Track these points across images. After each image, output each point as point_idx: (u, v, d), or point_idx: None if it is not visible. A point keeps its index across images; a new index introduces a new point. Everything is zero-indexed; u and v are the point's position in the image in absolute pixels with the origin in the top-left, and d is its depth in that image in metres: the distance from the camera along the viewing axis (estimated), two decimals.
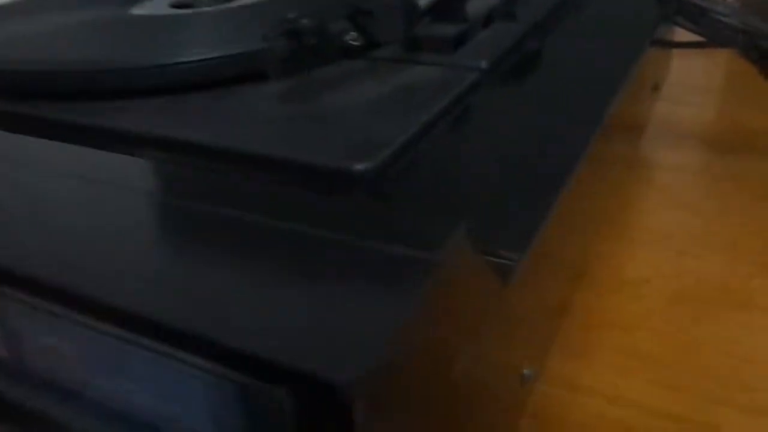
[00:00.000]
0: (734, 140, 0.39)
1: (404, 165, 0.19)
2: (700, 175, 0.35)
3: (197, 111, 0.22)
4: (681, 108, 0.42)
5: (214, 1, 0.34)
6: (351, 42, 0.22)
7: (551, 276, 0.19)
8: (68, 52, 0.27)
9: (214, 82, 0.24)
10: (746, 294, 0.26)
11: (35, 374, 0.13)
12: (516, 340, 0.16)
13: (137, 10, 0.32)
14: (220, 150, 0.20)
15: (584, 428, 0.21)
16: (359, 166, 0.18)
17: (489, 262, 0.13)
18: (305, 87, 0.22)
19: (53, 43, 0.28)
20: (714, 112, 0.43)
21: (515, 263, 0.14)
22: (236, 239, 0.14)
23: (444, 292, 0.11)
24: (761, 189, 0.33)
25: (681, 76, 0.45)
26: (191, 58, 0.24)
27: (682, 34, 0.42)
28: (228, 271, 0.12)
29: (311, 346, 0.10)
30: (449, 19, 0.27)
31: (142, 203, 0.17)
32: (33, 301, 0.12)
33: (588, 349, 0.24)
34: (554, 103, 0.24)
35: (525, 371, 0.17)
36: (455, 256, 0.12)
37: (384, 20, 0.22)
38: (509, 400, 0.17)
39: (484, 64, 0.25)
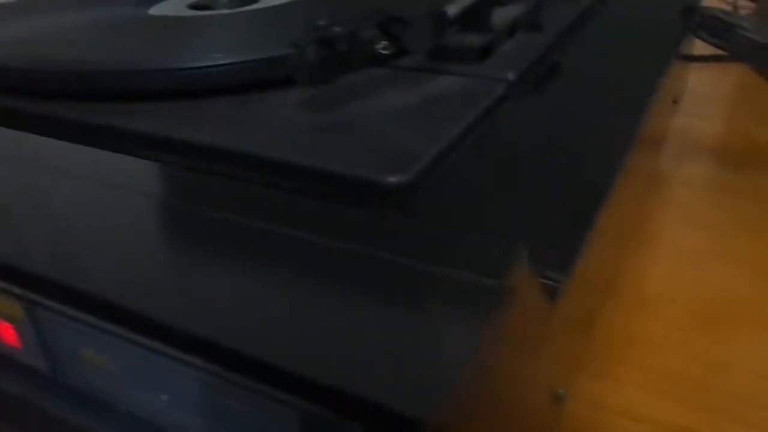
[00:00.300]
0: (748, 154, 0.38)
1: (436, 178, 0.19)
2: (716, 190, 0.35)
3: (222, 116, 0.22)
4: (694, 120, 0.42)
5: (233, 2, 0.34)
6: (381, 51, 0.21)
7: (584, 293, 0.19)
8: (87, 53, 0.26)
9: (238, 86, 0.23)
10: None
11: (81, 389, 0.13)
12: (553, 360, 0.16)
13: (155, 11, 0.32)
14: (246, 156, 0.19)
15: None
16: (393, 179, 0.18)
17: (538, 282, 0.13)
18: (333, 95, 0.22)
19: (71, 42, 0.28)
20: (726, 124, 0.43)
21: (561, 284, 0.13)
22: (285, 259, 0.14)
23: (509, 318, 0.11)
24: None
25: (692, 87, 0.45)
26: (216, 62, 0.23)
27: (698, 47, 0.42)
28: (287, 294, 0.12)
29: (385, 376, 0.09)
30: (475, 29, 0.26)
31: (180, 216, 0.16)
32: (83, 317, 0.12)
33: (613, 367, 0.23)
34: (584, 115, 0.23)
35: (560, 391, 0.17)
36: (519, 282, 0.12)
37: (415, 29, 0.22)
38: (544, 420, 0.17)
39: (511, 76, 0.24)
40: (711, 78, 0.48)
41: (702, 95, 0.45)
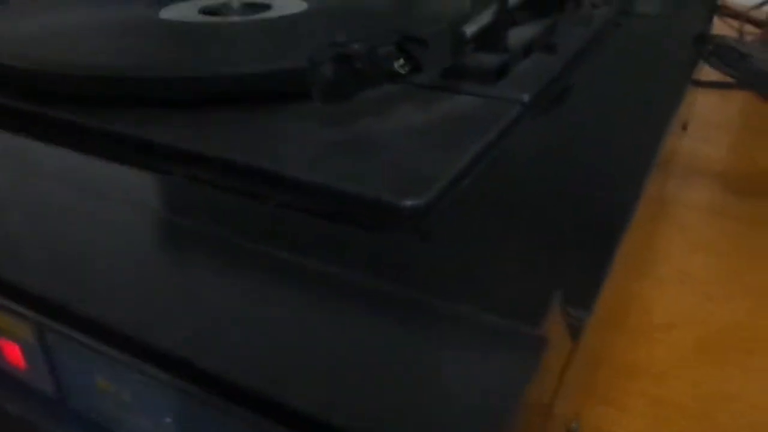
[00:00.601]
0: (753, 180, 0.38)
1: (450, 201, 0.18)
2: (721, 216, 0.35)
3: (234, 128, 0.22)
4: (699, 144, 0.42)
5: (244, 8, 0.33)
6: (398, 69, 0.21)
7: (600, 324, 0.19)
8: (96, 56, 0.26)
9: (252, 97, 0.23)
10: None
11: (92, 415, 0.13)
12: (569, 394, 0.16)
13: (166, 14, 0.32)
14: (258, 171, 0.19)
15: None
16: (409, 201, 0.17)
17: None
18: (348, 111, 0.22)
19: (79, 43, 0.28)
20: (731, 150, 0.43)
21: (584, 322, 0.13)
22: (306, 293, 0.13)
23: (546, 363, 0.11)
24: None
25: (697, 112, 0.45)
26: (229, 72, 0.23)
27: (703, 72, 0.42)
28: (307, 333, 0.12)
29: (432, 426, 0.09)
30: (490, 49, 0.26)
31: (193, 237, 0.16)
32: (92, 343, 0.11)
33: (620, 397, 0.23)
34: (600, 140, 0.23)
35: (573, 425, 0.16)
36: (553, 327, 0.11)
37: (433, 48, 0.21)
38: None
39: (526, 98, 0.24)
40: (715, 103, 0.48)
41: (707, 120, 0.45)
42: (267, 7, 0.33)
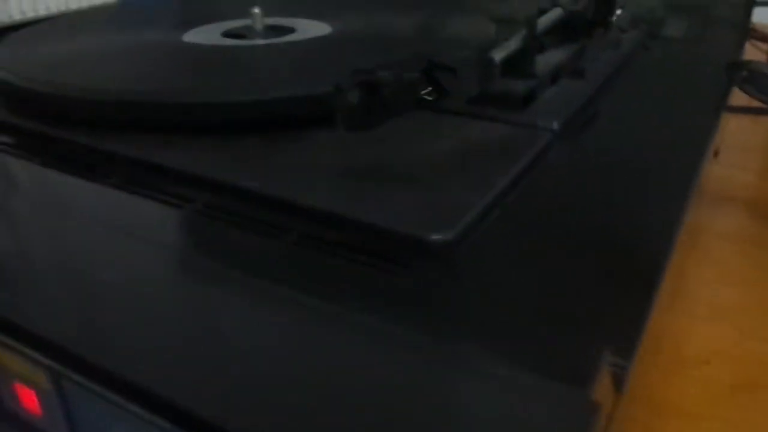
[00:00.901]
0: None
1: (480, 233, 0.18)
2: (753, 246, 0.34)
3: (254, 155, 0.21)
4: (729, 171, 0.41)
5: (267, 30, 0.33)
6: (425, 96, 0.20)
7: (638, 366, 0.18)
8: (119, 80, 0.26)
9: (273, 123, 0.23)
10: None
11: None
12: None
13: (189, 37, 0.32)
14: (280, 201, 0.19)
15: None
16: (437, 236, 0.17)
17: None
18: (372, 139, 0.21)
19: (100, 68, 0.28)
20: (762, 176, 0.42)
21: (627, 371, 0.12)
22: (338, 341, 0.13)
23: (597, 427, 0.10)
24: None
25: (726, 137, 0.44)
26: (252, 98, 0.23)
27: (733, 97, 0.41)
28: (342, 391, 0.11)
29: None
30: (517, 75, 0.26)
31: (212, 277, 0.15)
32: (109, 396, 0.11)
33: None
34: (632, 169, 0.22)
35: None
36: (603, 386, 0.11)
37: (461, 75, 0.21)
38: None
39: (555, 125, 0.24)
40: (745, 128, 0.47)
41: (737, 145, 0.44)
42: (290, 30, 0.33)
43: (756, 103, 0.33)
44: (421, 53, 0.21)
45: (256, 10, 0.33)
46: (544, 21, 0.26)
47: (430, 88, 0.21)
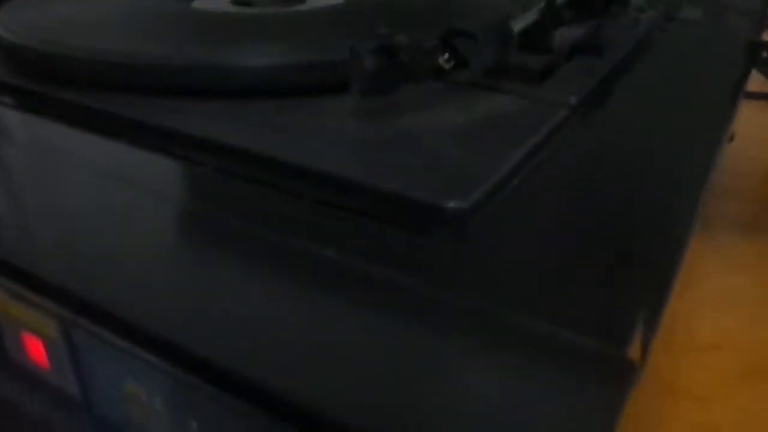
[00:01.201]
0: None
1: (495, 204, 0.17)
2: (765, 233, 0.34)
3: (265, 120, 0.21)
4: (740, 158, 0.40)
5: (275, 1, 0.32)
6: (443, 64, 0.20)
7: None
8: (127, 44, 0.25)
9: (285, 89, 0.22)
10: None
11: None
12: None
13: (199, 4, 0.31)
14: (293, 167, 0.18)
15: None
16: (452, 204, 0.16)
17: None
18: (388, 107, 0.21)
19: (110, 31, 0.27)
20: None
21: (649, 344, 0.12)
22: (365, 301, 0.12)
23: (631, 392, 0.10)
24: None
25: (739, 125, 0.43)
26: (265, 62, 0.22)
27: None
28: (354, 343, 0.11)
29: None
30: (535, 49, 0.25)
31: (223, 231, 0.15)
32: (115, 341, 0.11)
33: (662, 423, 0.22)
34: (649, 149, 0.22)
35: None
36: (638, 350, 0.10)
37: (480, 44, 0.20)
38: None
39: (573, 100, 0.23)
40: (759, 115, 0.46)
41: (749, 133, 0.44)
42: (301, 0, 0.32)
43: None
44: (434, 21, 0.21)
45: None
46: None
47: (447, 56, 0.20)
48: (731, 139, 0.34)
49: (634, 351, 0.10)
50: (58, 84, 0.23)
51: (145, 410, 0.11)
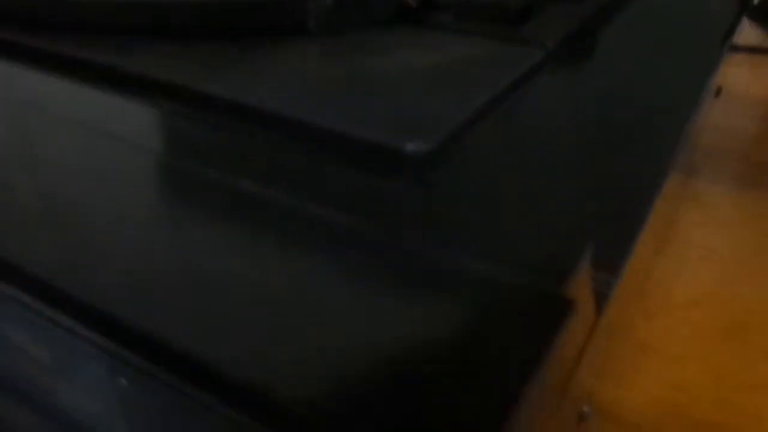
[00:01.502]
0: None
1: (462, 148, 0.16)
2: (748, 191, 0.33)
3: (224, 62, 0.19)
4: (727, 115, 0.39)
5: None
6: (410, 1, 0.18)
7: (621, 295, 0.17)
8: None
9: (243, 30, 0.21)
10: None
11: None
12: (583, 372, 0.14)
13: None
14: (251, 110, 0.17)
15: None
16: (411, 146, 0.15)
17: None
18: (350, 48, 0.19)
19: None
20: (762, 122, 0.40)
21: (611, 288, 0.11)
22: (312, 243, 0.11)
23: (569, 332, 0.09)
24: None
25: (728, 82, 0.42)
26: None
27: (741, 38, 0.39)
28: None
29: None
30: None
31: (183, 180, 0.14)
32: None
33: (635, 377, 0.21)
34: (629, 96, 0.21)
35: (585, 408, 0.14)
36: (582, 292, 0.09)
37: None
38: None
39: (550, 44, 0.22)
40: (748, 72, 0.45)
41: (738, 91, 0.42)
42: None
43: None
44: None
45: None
46: None
47: None
48: (718, 93, 0.33)
49: (577, 291, 0.09)
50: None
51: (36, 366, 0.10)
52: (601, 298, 0.11)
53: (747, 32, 0.47)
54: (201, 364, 0.09)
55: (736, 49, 0.39)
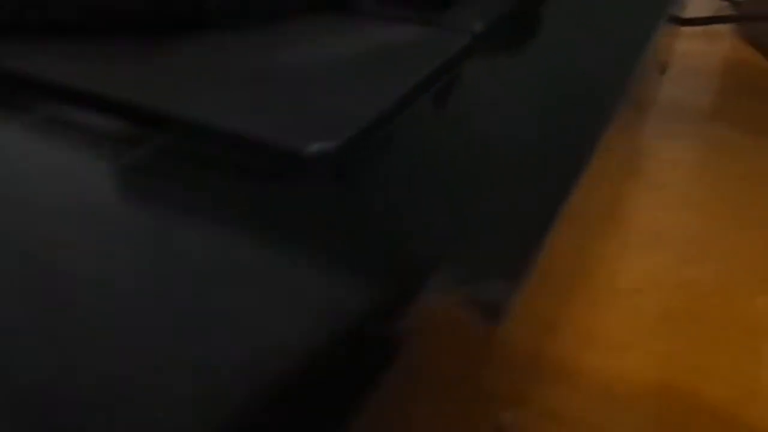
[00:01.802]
0: (736, 135, 0.35)
1: (376, 145, 0.15)
2: (700, 171, 0.32)
3: (111, 59, 0.18)
4: (680, 93, 0.39)
5: None
6: None
7: (542, 292, 0.16)
8: None
9: (138, 24, 0.19)
10: (752, 314, 0.23)
11: None
12: (491, 384, 0.13)
13: None
14: (133, 108, 0.15)
15: None
16: (315, 147, 0.14)
17: (473, 299, 0.10)
18: (259, 40, 0.18)
19: None
20: (715, 98, 0.40)
21: (505, 302, 0.10)
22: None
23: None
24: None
25: (680, 58, 0.41)
26: None
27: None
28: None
29: None
30: None
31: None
32: None
33: (574, 373, 0.21)
34: (557, 77, 0.20)
35: (505, 419, 0.14)
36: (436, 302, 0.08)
37: None
38: None
39: (478, 27, 0.21)
40: (700, 49, 0.45)
41: (690, 66, 0.42)
42: None
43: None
44: None
45: None
46: None
47: None
48: (663, 70, 0.32)
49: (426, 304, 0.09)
50: None
51: None
52: (494, 310, 0.10)
53: (702, 3, 0.47)
54: None
55: (688, 21, 0.38)
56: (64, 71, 0.17)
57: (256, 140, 0.14)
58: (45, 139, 0.15)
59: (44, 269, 0.11)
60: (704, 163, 0.33)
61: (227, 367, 0.08)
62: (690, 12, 0.40)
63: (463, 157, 0.15)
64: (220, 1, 0.16)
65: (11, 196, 0.13)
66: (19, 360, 0.08)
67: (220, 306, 0.10)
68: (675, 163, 0.33)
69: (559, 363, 0.21)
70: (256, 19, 0.17)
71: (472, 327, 0.10)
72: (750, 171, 0.32)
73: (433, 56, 0.18)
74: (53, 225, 0.12)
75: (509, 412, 0.14)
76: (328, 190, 0.14)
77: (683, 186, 0.31)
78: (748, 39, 0.43)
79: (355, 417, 0.07)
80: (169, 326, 0.09)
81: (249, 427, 0.07)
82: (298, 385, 0.08)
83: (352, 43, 0.19)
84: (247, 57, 0.17)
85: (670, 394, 0.20)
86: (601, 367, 0.21)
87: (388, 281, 0.10)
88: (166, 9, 0.18)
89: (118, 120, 0.15)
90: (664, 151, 0.33)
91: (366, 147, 0.15)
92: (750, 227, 0.28)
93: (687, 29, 0.39)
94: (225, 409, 0.08)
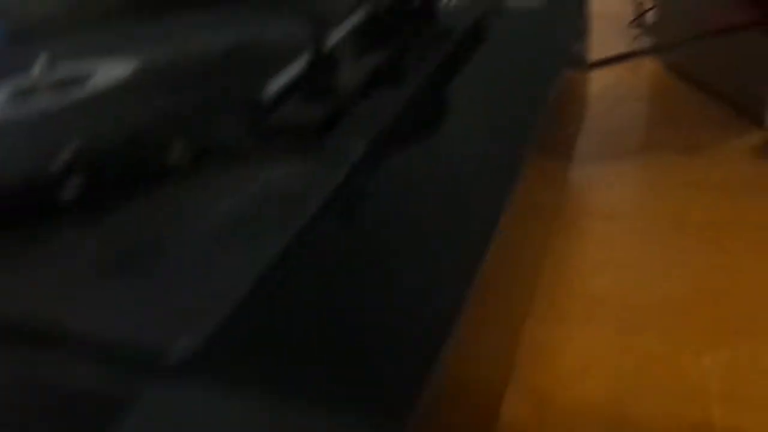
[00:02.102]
0: (674, 172, 0.35)
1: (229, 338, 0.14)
2: (638, 220, 0.32)
3: None
4: (609, 133, 0.38)
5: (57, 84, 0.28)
6: (175, 162, 0.17)
7: (461, 407, 0.15)
8: None
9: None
10: (698, 377, 0.23)
11: None
12: None
13: None
14: None
15: None
16: (171, 351, 0.13)
17: None
18: (113, 224, 0.17)
19: None
20: (644, 131, 0.40)
21: None
22: None
23: None
24: (708, 234, 0.29)
25: (601, 92, 0.41)
26: None
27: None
28: None
29: None
30: (317, 94, 0.22)
31: None
32: None
33: (545, 398, 0.20)
34: (454, 167, 0.19)
35: None
36: None
37: (225, 124, 0.17)
38: None
39: (360, 146, 0.20)
40: (627, 80, 0.44)
41: (620, 96, 0.42)
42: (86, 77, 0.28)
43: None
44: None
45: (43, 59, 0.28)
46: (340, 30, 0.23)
47: (181, 147, 0.17)
48: (581, 118, 0.32)
49: None
50: None
51: None
52: None
53: (618, 35, 0.47)
54: None
55: (600, 63, 0.38)
56: None
57: (105, 345, 0.14)
58: None
59: None
60: (640, 215, 0.32)
61: None
62: (606, 45, 0.40)
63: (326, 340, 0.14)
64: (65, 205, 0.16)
65: None
66: None
67: None
68: (602, 214, 0.32)
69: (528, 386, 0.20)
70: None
71: None
72: (682, 212, 0.31)
73: (304, 202, 0.18)
74: None
75: None
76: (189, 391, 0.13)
77: (620, 240, 0.30)
78: (667, 65, 0.43)
79: None
80: None
81: None
82: None
83: (221, 200, 0.18)
84: (101, 238, 0.16)
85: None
86: (565, 391, 0.20)
87: None
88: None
89: None
90: (599, 204, 0.33)
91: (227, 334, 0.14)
92: (687, 280, 0.27)
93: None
94: None
